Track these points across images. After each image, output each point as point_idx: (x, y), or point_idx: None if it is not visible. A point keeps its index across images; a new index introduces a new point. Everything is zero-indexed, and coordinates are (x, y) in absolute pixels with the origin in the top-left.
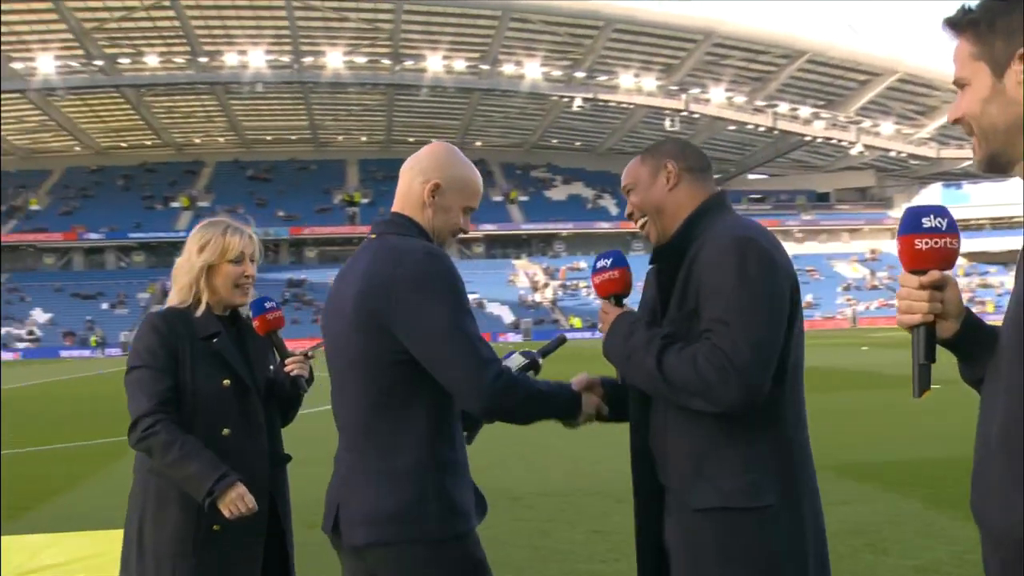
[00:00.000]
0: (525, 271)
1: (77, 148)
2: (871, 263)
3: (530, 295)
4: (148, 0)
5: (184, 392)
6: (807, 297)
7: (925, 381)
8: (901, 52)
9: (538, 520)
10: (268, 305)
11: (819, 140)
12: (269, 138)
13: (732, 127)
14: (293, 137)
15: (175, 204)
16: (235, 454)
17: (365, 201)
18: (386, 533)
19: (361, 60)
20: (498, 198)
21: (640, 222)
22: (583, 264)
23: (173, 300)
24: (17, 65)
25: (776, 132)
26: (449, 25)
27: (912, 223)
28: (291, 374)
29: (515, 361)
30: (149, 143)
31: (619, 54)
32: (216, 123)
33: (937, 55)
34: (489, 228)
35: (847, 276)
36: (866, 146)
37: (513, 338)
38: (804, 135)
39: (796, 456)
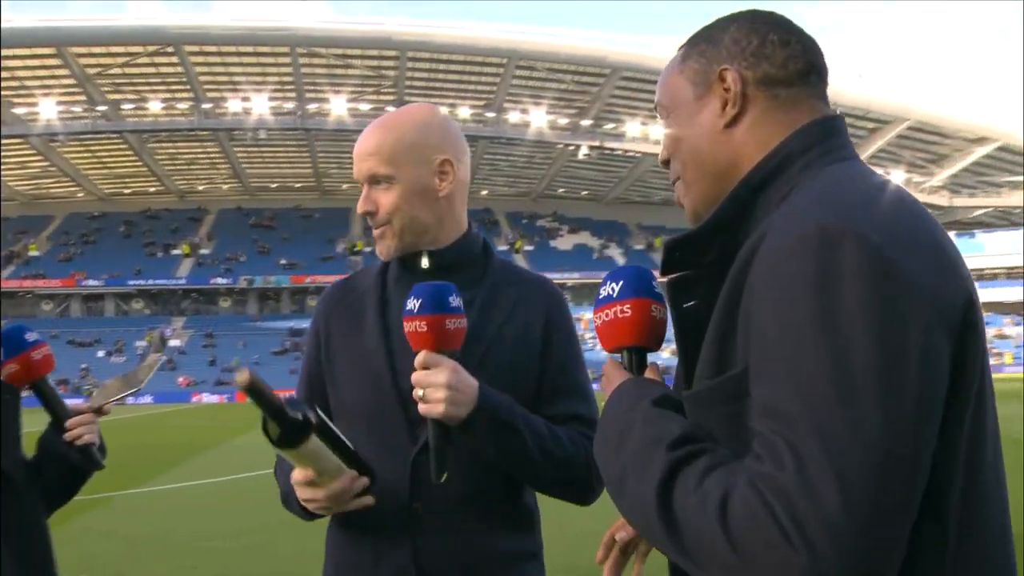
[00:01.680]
0: None
1: (80, 194)
2: None
3: None
4: (152, 46)
5: None
6: None
7: None
8: (911, 99)
9: None
10: (31, 338)
11: None
12: (273, 186)
13: None
14: (297, 185)
15: (176, 251)
16: None
17: (368, 250)
18: None
19: (365, 107)
20: (504, 247)
21: (674, 179)
22: (589, 316)
23: None
24: (19, 110)
25: None
26: (453, 72)
27: None
28: (77, 443)
29: None
30: (152, 190)
31: (626, 102)
32: (219, 170)
33: (948, 102)
34: None
35: None
36: None
37: None
38: None
39: None
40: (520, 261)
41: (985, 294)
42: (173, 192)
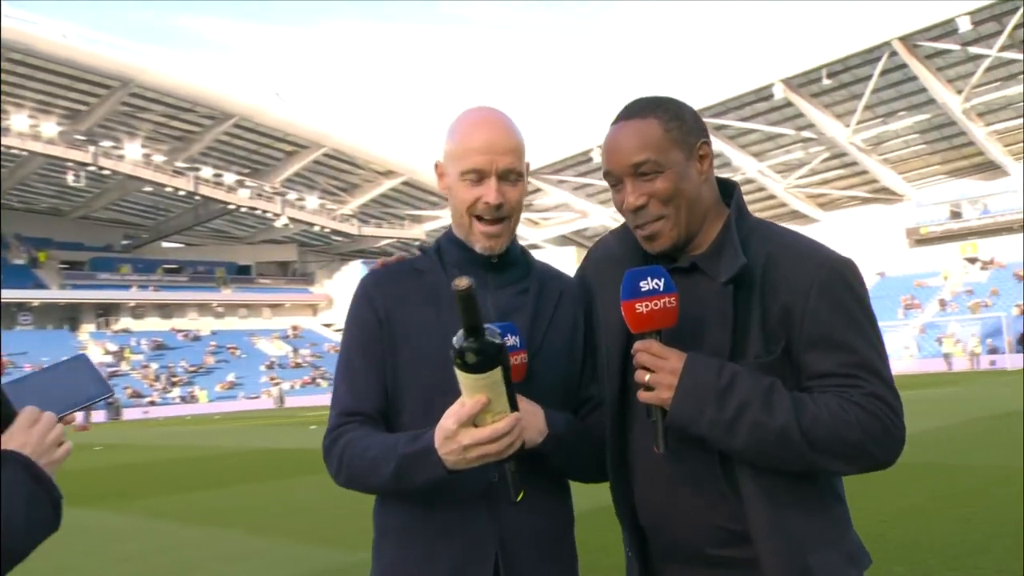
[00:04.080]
0: None
1: None
2: (294, 340)
3: None
4: None
5: None
6: (229, 376)
7: None
8: (328, 126)
9: None
10: None
11: (243, 209)
12: None
13: (149, 188)
14: None
15: None
16: None
17: None
18: None
19: None
20: None
21: (649, 220)
22: None
23: None
24: None
25: (197, 198)
26: None
27: None
28: None
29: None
30: None
31: (12, 88)
32: None
33: (362, 133)
34: None
35: (270, 354)
36: (291, 219)
37: None
38: (228, 203)
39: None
40: None
41: None
42: None
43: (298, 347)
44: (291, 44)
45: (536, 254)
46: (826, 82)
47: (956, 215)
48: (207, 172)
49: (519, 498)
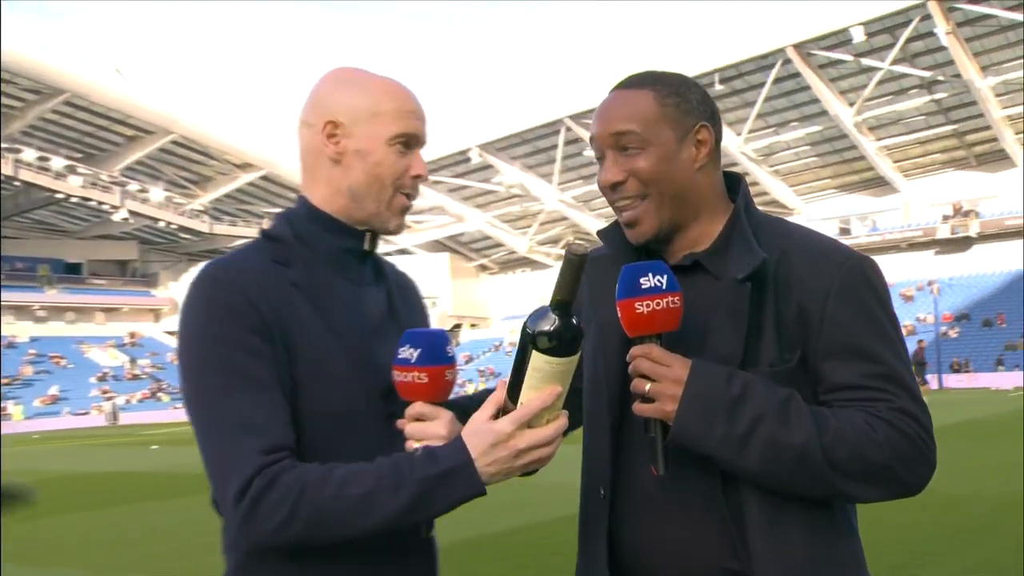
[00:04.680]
0: None
1: None
2: (131, 349)
3: None
4: None
5: None
6: (51, 390)
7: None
8: (178, 110)
9: None
10: None
11: (74, 199)
12: None
13: None
14: None
15: None
16: None
17: None
18: None
19: None
20: None
21: (627, 200)
22: None
23: None
24: None
25: (17, 183)
26: None
27: None
28: None
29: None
30: None
31: None
32: None
33: (217, 120)
34: None
35: (102, 364)
36: (132, 212)
37: None
38: (55, 191)
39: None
40: None
41: None
42: None
43: (136, 357)
44: (137, 15)
45: (408, 260)
46: (718, 87)
47: (845, 231)
48: (30, 154)
49: (430, 533)
